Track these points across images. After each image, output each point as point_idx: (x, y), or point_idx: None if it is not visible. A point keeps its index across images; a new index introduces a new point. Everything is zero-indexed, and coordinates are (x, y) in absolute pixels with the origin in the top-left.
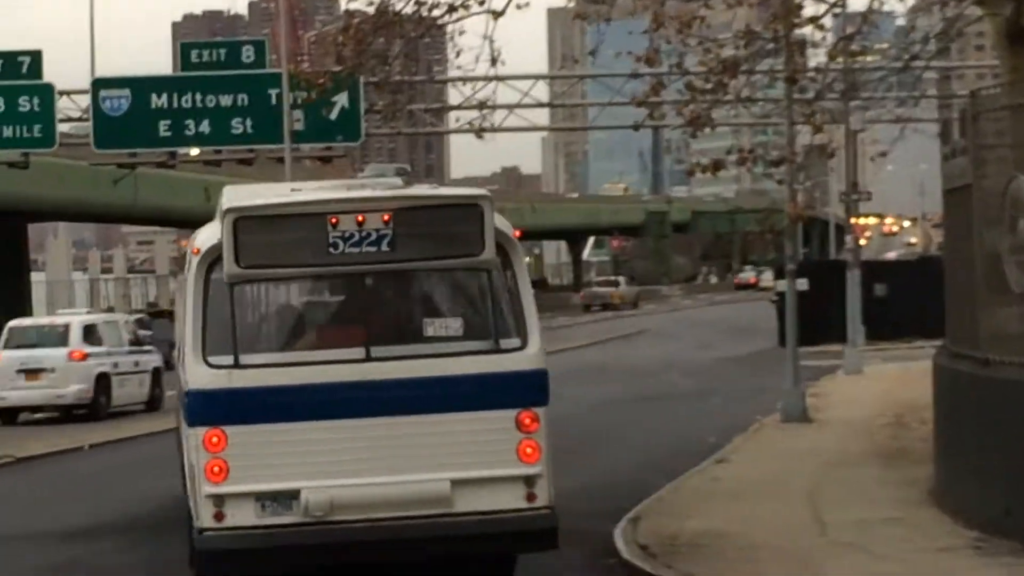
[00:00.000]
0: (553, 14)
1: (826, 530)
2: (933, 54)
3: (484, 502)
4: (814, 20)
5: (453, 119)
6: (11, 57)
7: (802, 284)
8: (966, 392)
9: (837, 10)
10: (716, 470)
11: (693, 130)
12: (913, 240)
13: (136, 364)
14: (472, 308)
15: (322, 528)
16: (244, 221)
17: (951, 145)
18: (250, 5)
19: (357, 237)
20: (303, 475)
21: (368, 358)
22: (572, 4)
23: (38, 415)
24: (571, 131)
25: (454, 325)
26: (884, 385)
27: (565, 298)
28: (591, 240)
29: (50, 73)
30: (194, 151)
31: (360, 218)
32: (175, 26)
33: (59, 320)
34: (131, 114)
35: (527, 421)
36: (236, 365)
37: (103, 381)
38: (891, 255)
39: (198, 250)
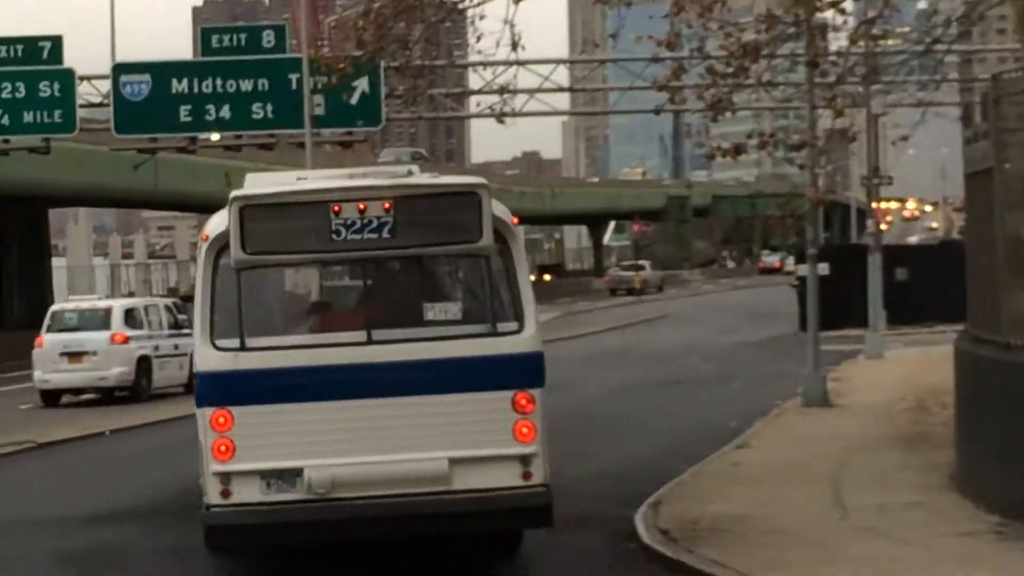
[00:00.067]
0: None
1: (847, 514)
2: (955, 37)
3: (481, 480)
4: (835, 4)
5: (474, 104)
6: (32, 42)
7: (823, 269)
8: (987, 376)
9: None
10: (737, 455)
11: (714, 114)
12: (934, 224)
13: (176, 347)
14: (470, 293)
15: (324, 505)
16: (250, 209)
17: (973, 129)
18: None
19: (359, 225)
20: (306, 454)
21: (369, 341)
22: None
23: (80, 397)
24: (592, 115)
25: (453, 309)
26: (905, 369)
27: (586, 283)
28: (612, 225)
29: (70, 58)
30: (214, 136)
31: (362, 206)
32: (195, 11)
33: (101, 304)
34: (151, 99)
35: (523, 402)
36: (242, 348)
37: (144, 364)
38: (912, 239)
39: (207, 237)
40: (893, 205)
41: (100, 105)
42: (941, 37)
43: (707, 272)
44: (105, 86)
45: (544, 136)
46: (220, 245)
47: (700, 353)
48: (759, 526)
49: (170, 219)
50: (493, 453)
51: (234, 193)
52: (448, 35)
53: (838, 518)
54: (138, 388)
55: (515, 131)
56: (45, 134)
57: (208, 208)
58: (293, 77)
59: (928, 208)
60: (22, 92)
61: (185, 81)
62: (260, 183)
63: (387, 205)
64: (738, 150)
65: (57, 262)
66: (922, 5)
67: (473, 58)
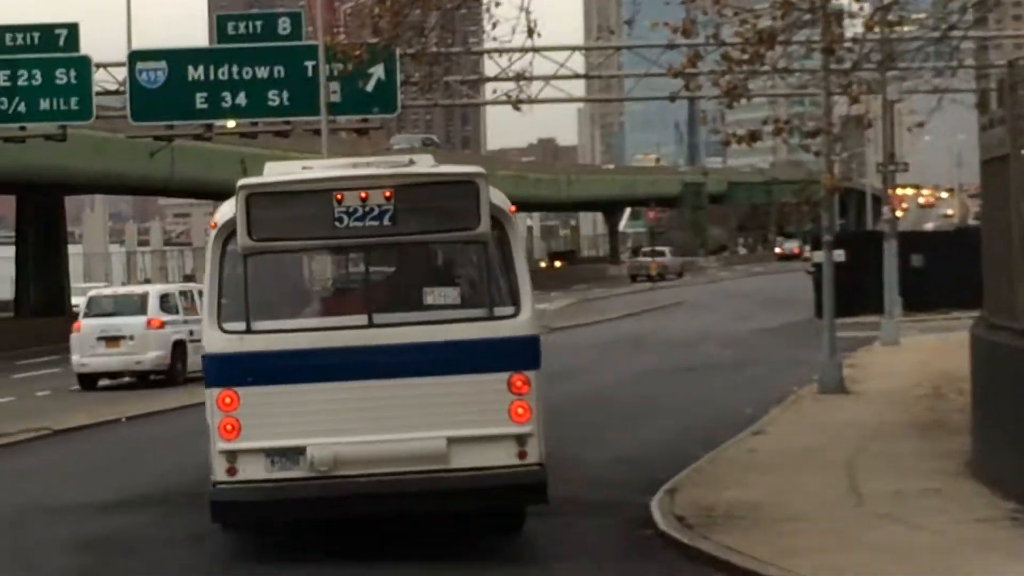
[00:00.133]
0: None
1: (863, 501)
2: (971, 24)
3: (478, 459)
4: None
5: (489, 90)
6: (48, 30)
7: (839, 255)
8: (1003, 363)
9: None
10: (753, 441)
11: (729, 101)
12: (950, 211)
13: None
14: (468, 278)
15: (326, 482)
16: (256, 197)
17: (989, 115)
18: None
19: (361, 212)
20: (309, 433)
21: (370, 324)
22: None
23: (117, 381)
24: (607, 102)
25: (451, 294)
26: (921, 356)
27: (601, 269)
28: (627, 211)
29: (87, 46)
30: (230, 123)
31: (363, 194)
32: None
33: (137, 289)
34: (168, 86)
35: (519, 383)
36: (248, 331)
37: (179, 348)
38: (928, 226)
39: (215, 224)
40: (909, 192)
41: (116, 92)
42: (957, 23)
43: (722, 259)
44: (121, 73)
45: (560, 123)
46: (227, 232)
47: (716, 340)
48: (775, 513)
49: (186, 206)
50: (490, 433)
51: (241, 181)
52: (464, 22)
53: (854, 505)
54: (173, 372)
55: (531, 118)
56: (62, 121)
57: (224, 195)
58: (309, 64)
59: (944, 195)
60: (39, 79)
61: (201, 68)
62: (279, 172)
63: (388, 193)
64: (753, 137)
65: (73, 249)
66: None
67: (489, 45)
